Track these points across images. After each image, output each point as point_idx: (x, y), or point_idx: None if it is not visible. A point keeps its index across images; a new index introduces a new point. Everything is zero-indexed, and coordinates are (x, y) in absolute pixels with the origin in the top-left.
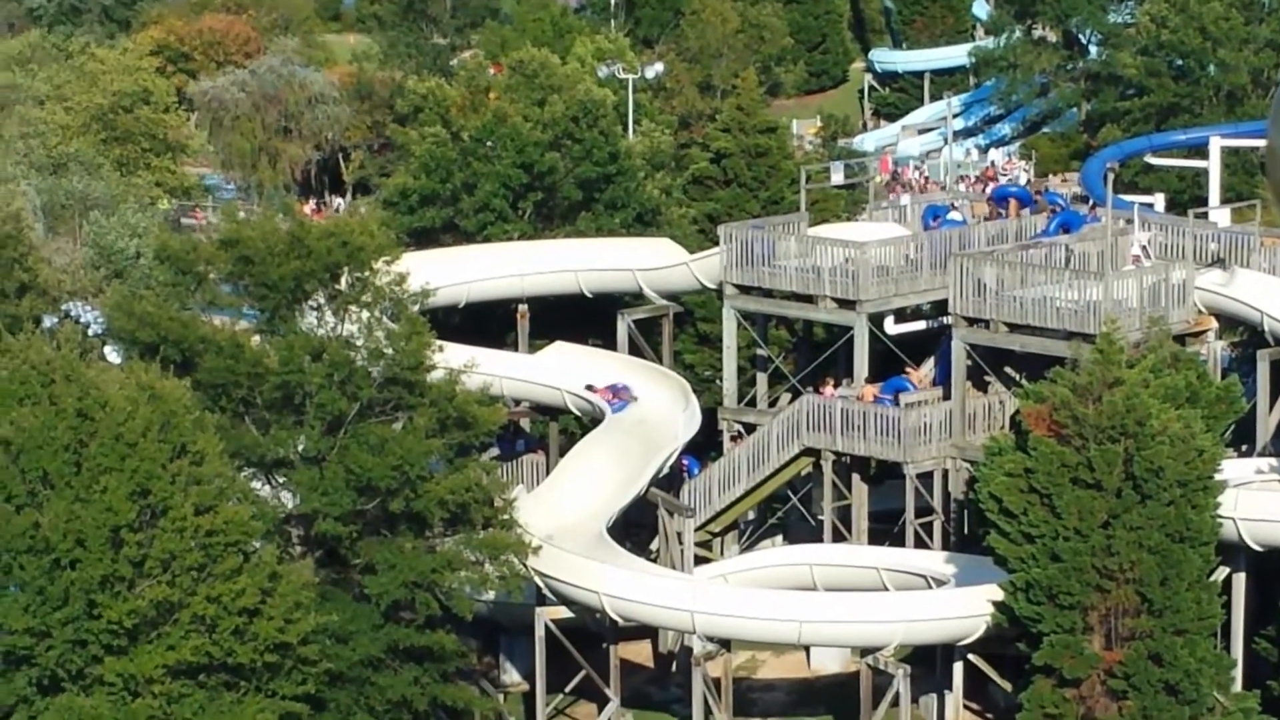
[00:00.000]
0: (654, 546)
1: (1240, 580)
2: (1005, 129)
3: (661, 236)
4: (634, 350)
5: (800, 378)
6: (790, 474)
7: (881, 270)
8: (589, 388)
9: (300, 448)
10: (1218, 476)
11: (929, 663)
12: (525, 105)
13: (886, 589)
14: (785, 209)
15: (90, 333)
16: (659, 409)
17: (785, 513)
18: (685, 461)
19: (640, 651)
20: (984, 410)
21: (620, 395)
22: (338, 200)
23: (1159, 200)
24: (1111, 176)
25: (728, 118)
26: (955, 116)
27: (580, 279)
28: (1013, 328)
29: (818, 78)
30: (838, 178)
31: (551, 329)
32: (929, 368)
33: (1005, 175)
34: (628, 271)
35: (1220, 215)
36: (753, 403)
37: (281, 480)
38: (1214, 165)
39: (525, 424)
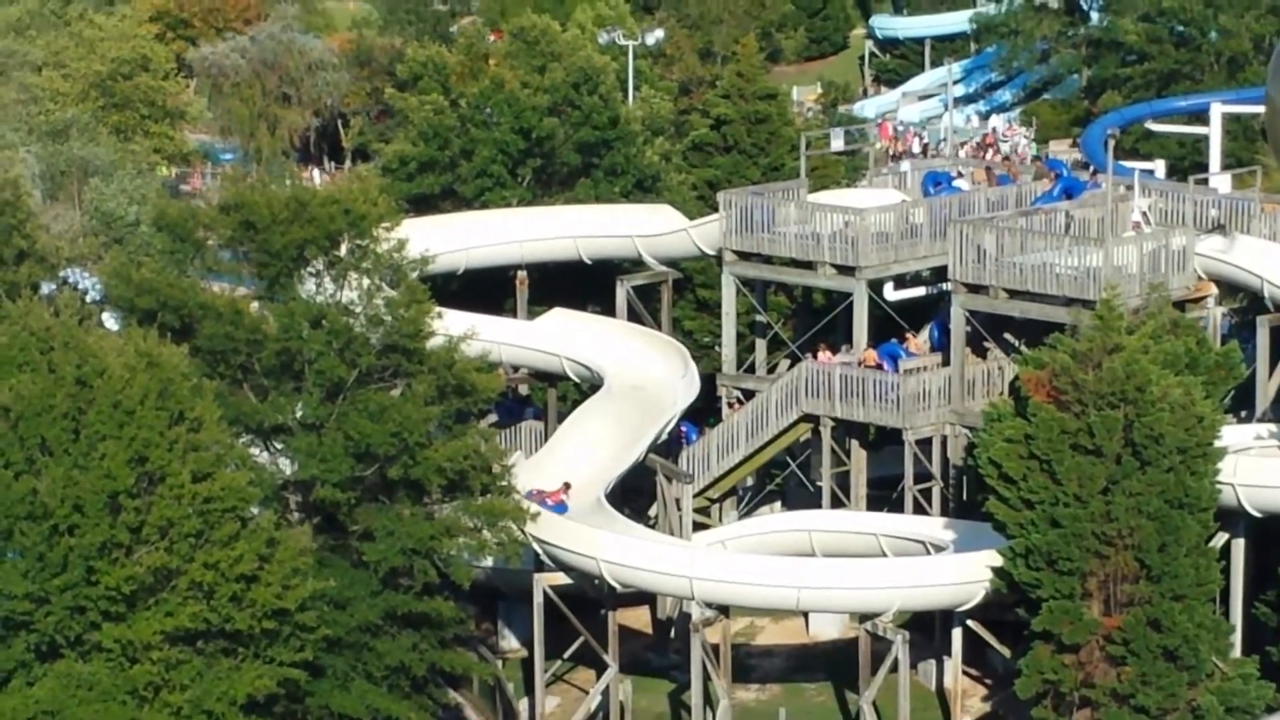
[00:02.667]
0: (652, 513)
1: (1239, 546)
2: (1006, 95)
3: (661, 203)
4: (633, 316)
5: (799, 344)
6: (789, 440)
7: (881, 236)
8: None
9: (299, 414)
10: (1217, 443)
11: (928, 629)
12: (525, 72)
13: (885, 555)
14: (785, 175)
15: (88, 299)
16: (658, 375)
17: (784, 479)
18: (684, 428)
19: (638, 618)
20: (983, 376)
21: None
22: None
23: (1159, 166)
24: (1112, 143)
25: (728, 84)
26: (956, 83)
27: (579, 245)
28: (1012, 294)
29: (818, 44)
30: (838, 144)
31: (550, 295)
32: (926, 334)
33: (1006, 141)
34: (627, 238)
35: (1221, 181)
36: (751, 369)
37: (280, 447)
38: (1215, 131)
39: (523, 390)
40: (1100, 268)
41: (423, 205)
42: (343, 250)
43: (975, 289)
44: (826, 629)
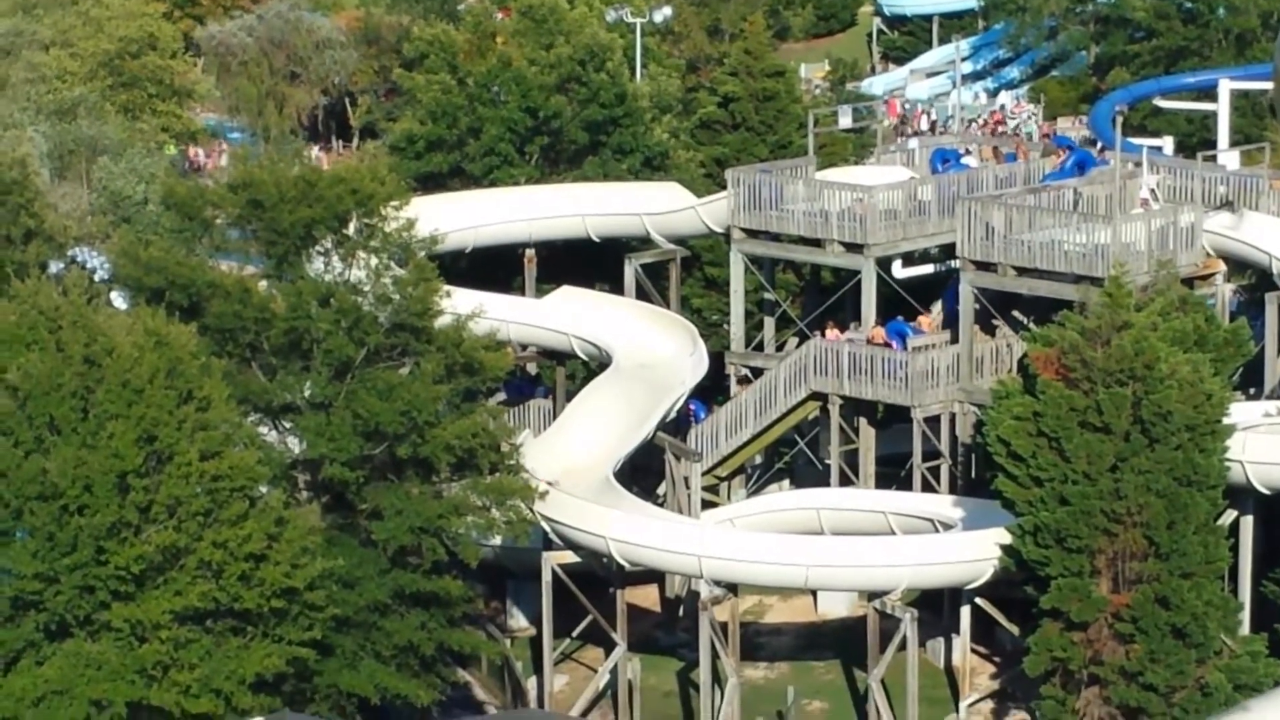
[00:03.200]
0: (661, 491)
1: (1248, 524)
2: (1014, 72)
3: (669, 181)
4: (641, 294)
5: (807, 322)
6: (797, 418)
7: (889, 214)
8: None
9: (307, 393)
10: (1226, 420)
11: (936, 607)
12: (533, 50)
13: (894, 533)
14: (793, 153)
15: (97, 278)
16: (666, 353)
17: (792, 457)
18: (692, 406)
19: (647, 596)
20: (991, 354)
21: None
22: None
23: (1168, 143)
24: (1120, 119)
25: (735, 62)
26: (964, 60)
27: (588, 223)
28: (1021, 271)
29: (826, 21)
30: (845, 121)
31: (559, 273)
32: (937, 310)
33: (1014, 118)
34: (635, 216)
35: (1229, 158)
36: (760, 347)
37: (288, 426)
38: (1223, 108)
39: (531, 368)
40: (1109, 245)
41: (431, 184)
42: (351, 229)
43: (984, 266)
44: (835, 607)
